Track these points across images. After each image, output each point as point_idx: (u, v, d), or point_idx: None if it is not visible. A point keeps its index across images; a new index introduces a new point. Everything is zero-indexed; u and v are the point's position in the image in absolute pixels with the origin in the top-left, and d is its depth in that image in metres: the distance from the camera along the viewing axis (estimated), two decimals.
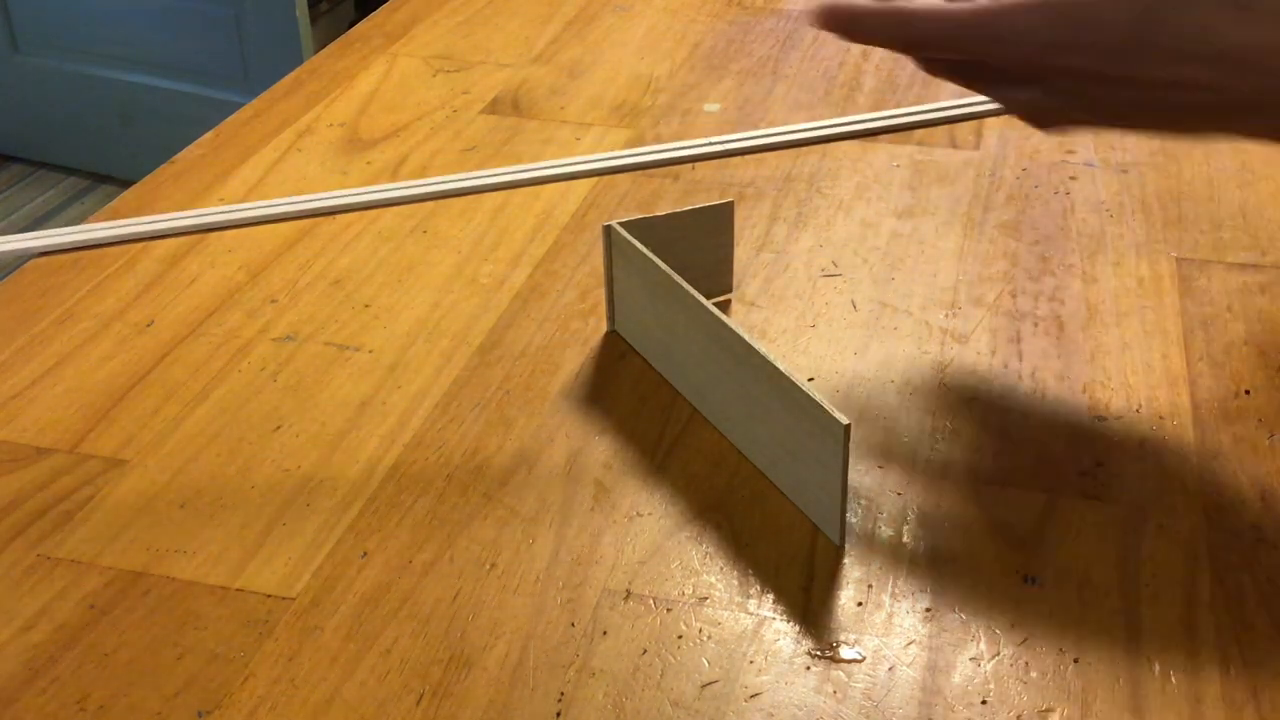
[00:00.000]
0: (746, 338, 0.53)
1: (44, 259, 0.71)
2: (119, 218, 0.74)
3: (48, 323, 0.66)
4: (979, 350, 0.62)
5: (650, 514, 0.53)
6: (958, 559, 0.50)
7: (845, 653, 0.47)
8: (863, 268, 0.69)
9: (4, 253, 0.73)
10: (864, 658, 0.46)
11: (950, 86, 0.53)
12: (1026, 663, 0.46)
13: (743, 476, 0.55)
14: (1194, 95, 0.47)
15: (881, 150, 0.81)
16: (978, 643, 0.47)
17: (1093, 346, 0.62)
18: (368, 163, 0.81)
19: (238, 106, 0.89)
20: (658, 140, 0.82)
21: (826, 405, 0.49)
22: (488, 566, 0.50)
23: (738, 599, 0.49)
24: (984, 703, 0.45)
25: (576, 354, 0.62)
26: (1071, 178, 0.77)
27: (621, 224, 0.61)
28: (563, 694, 0.45)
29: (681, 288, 0.57)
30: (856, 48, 0.96)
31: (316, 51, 1.01)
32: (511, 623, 0.48)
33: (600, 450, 0.56)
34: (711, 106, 0.87)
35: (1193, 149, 0.80)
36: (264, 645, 0.47)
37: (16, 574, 0.50)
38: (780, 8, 1.03)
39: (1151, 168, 0.78)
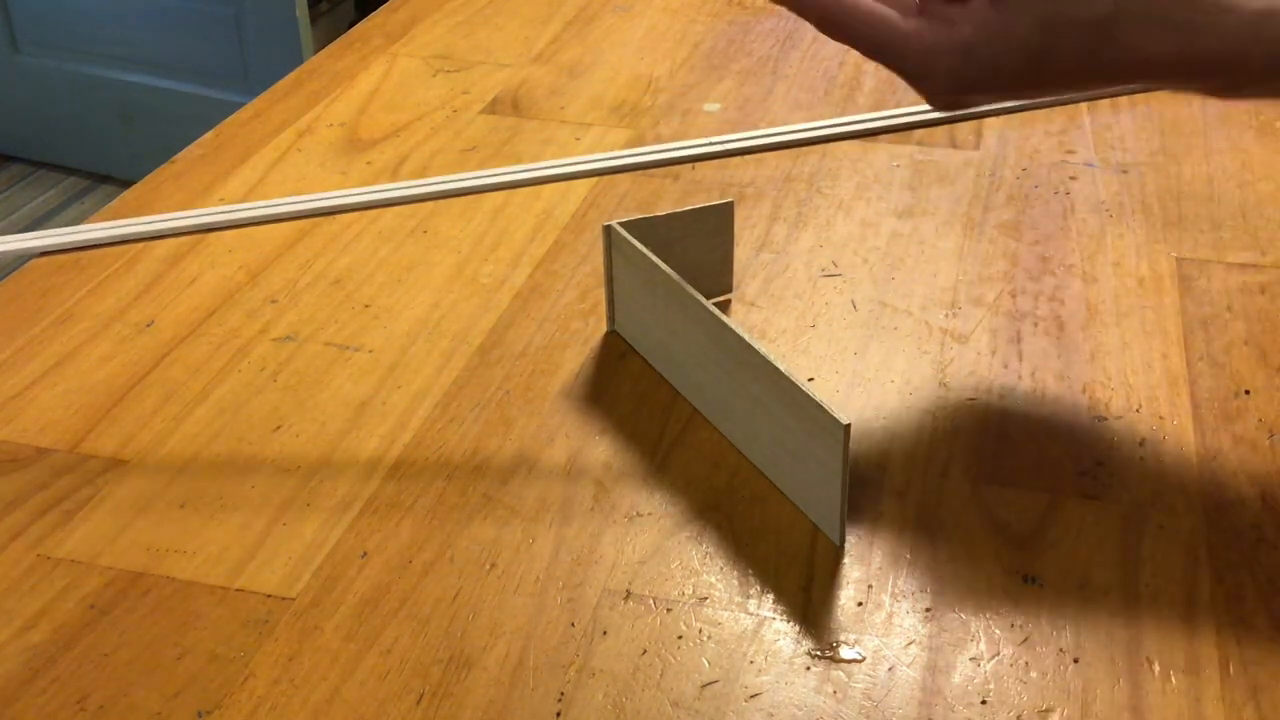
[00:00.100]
0: (746, 338, 0.53)
1: (44, 259, 0.71)
2: (119, 218, 0.74)
3: (48, 323, 0.66)
4: (979, 350, 0.62)
5: (650, 514, 0.53)
6: (958, 559, 0.50)
7: (845, 653, 0.47)
8: (863, 268, 0.69)
9: (4, 253, 0.73)
10: (864, 658, 0.46)
11: None
12: (1026, 663, 0.46)
13: (743, 476, 0.55)
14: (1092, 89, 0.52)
15: (881, 150, 0.81)
16: (978, 643, 0.47)
17: (1093, 346, 0.62)
18: (368, 163, 0.81)
19: (238, 106, 0.89)
20: (658, 140, 0.82)
21: (826, 405, 0.49)
22: (488, 566, 0.50)
23: (738, 599, 0.49)
24: (984, 703, 0.45)
25: (576, 354, 0.62)
26: (1071, 178, 0.77)
27: (621, 224, 0.61)
28: (563, 694, 0.45)
29: (681, 288, 0.57)
30: None
31: (316, 51, 1.01)
32: (511, 623, 0.48)
33: (600, 450, 0.56)
34: (711, 106, 0.87)
35: (1193, 149, 0.80)
36: (264, 645, 0.47)
37: (16, 574, 0.50)
38: (780, 7, 1.03)
39: (1151, 168, 0.78)
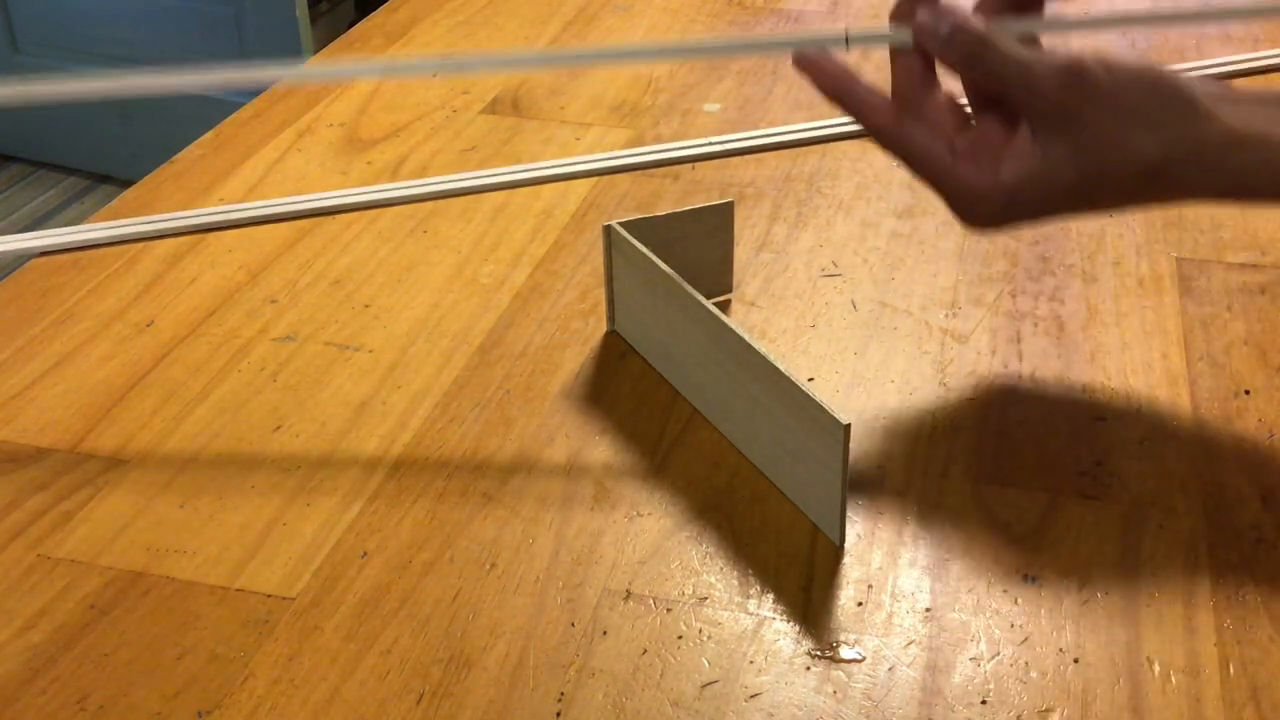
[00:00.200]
0: (746, 338, 0.53)
1: (44, 259, 0.71)
2: (119, 218, 0.74)
3: (48, 323, 0.66)
4: (979, 350, 0.62)
5: (650, 514, 0.53)
6: (958, 559, 0.50)
7: (845, 653, 0.47)
8: (863, 268, 0.69)
9: (4, 253, 0.73)
10: (864, 658, 0.46)
11: (950, 86, 0.55)
12: (1026, 663, 0.46)
13: (743, 476, 0.55)
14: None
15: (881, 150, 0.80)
16: (978, 643, 0.47)
17: (1093, 346, 0.62)
18: (368, 163, 0.81)
19: (238, 106, 0.89)
20: (658, 140, 0.82)
21: (826, 405, 0.49)
22: (488, 566, 0.50)
23: (738, 599, 0.49)
24: (984, 703, 0.45)
25: (576, 354, 0.62)
26: None
27: (621, 224, 0.61)
28: (563, 694, 0.45)
29: (681, 288, 0.57)
30: (856, 48, 0.96)
31: (316, 51, 1.01)
32: (511, 623, 0.48)
33: (600, 450, 0.56)
34: (711, 106, 0.87)
35: None
36: (264, 645, 0.47)
37: (16, 574, 0.50)
38: (780, 8, 1.03)
39: None
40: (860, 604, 0.49)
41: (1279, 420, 0.57)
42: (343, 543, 0.52)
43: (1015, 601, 0.49)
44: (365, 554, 0.51)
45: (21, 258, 0.72)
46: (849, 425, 0.48)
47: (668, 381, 0.60)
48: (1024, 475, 0.54)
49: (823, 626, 0.48)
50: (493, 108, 0.88)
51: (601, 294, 0.65)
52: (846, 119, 0.56)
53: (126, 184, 1.00)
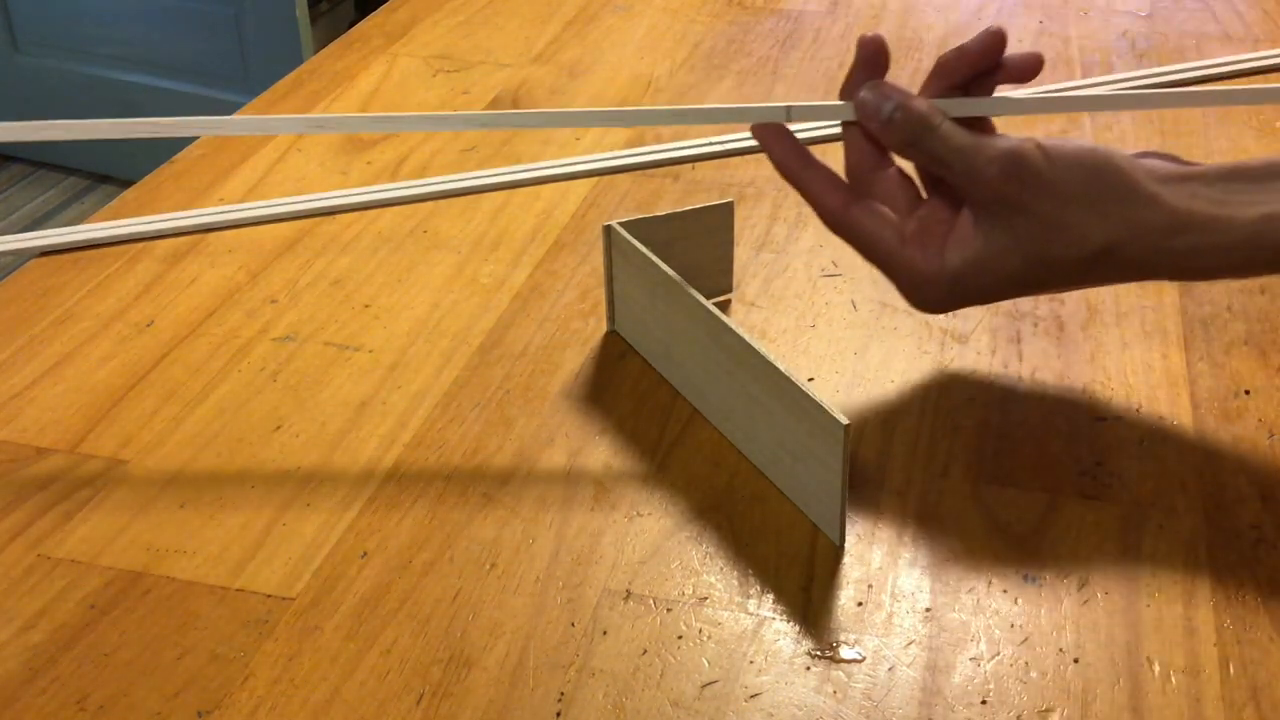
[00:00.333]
0: (746, 338, 0.53)
1: (44, 259, 0.71)
2: (119, 218, 0.74)
3: (48, 323, 0.66)
4: (979, 350, 0.62)
5: (650, 514, 0.53)
6: (958, 559, 0.50)
7: (845, 653, 0.47)
8: (863, 268, 0.68)
9: (4, 253, 0.73)
10: (864, 658, 0.46)
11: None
12: (1026, 663, 0.46)
13: (743, 476, 0.55)
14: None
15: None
16: (978, 643, 0.47)
17: (1093, 346, 0.62)
18: (368, 163, 0.81)
19: (238, 106, 0.89)
20: (658, 140, 0.82)
21: (826, 405, 0.49)
22: (488, 566, 0.50)
23: (738, 599, 0.49)
24: (984, 703, 0.45)
25: (576, 354, 0.62)
26: None
27: (621, 224, 0.61)
28: (563, 694, 0.45)
29: (681, 288, 0.57)
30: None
31: (316, 51, 1.01)
32: (511, 623, 0.48)
33: (600, 450, 0.56)
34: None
35: (1193, 149, 0.80)
36: (264, 645, 0.47)
37: (16, 574, 0.50)
38: (780, 8, 1.03)
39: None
40: (860, 604, 0.49)
41: (1279, 420, 0.57)
42: (343, 543, 0.52)
43: (1015, 601, 0.49)
44: (365, 554, 0.51)
45: (21, 258, 0.72)
46: (849, 425, 0.48)
47: (668, 381, 0.60)
48: (1024, 475, 0.55)
49: (823, 626, 0.48)
50: (493, 108, 0.88)
51: (601, 294, 0.65)
52: (829, 123, 0.56)
53: (126, 184, 1.00)
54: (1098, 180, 0.50)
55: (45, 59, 2.43)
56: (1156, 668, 0.46)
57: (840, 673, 0.46)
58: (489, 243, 0.72)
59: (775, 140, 0.55)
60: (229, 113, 0.88)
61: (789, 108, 0.55)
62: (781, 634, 0.47)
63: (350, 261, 0.70)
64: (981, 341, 0.63)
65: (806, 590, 0.49)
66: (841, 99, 0.55)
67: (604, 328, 0.64)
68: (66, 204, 2.47)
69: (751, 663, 0.46)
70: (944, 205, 0.53)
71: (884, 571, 0.50)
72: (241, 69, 2.27)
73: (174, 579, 0.50)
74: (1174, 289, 0.66)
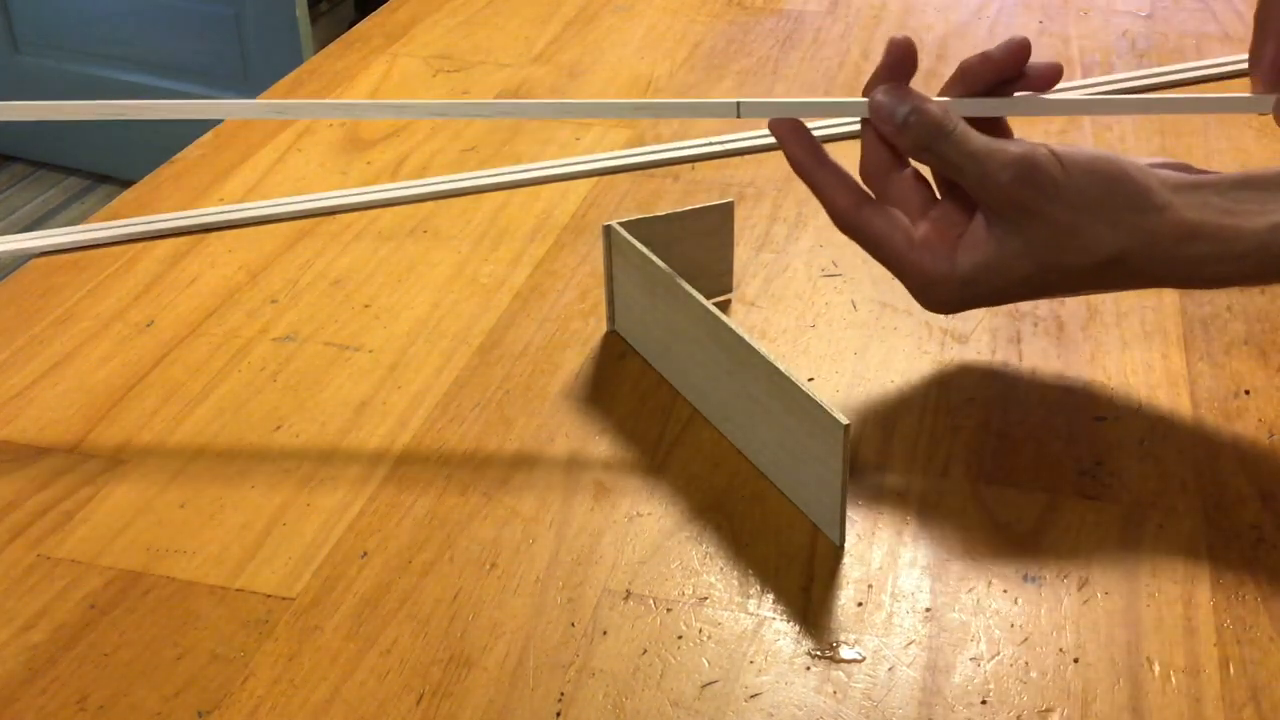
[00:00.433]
0: (746, 338, 0.53)
1: (44, 259, 0.71)
2: (119, 218, 0.74)
3: (48, 323, 0.66)
4: (979, 350, 0.62)
5: (650, 514, 0.53)
6: (958, 559, 0.50)
7: (845, 653, 0.47)
8: (863, 268, 0.68)
9: (4, 253, 0.73)
10: (864, 658, 0.46)
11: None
12: (1026, 663, 0.46)
13: (743, 476, 0.55)
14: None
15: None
16: (978, 643, 0.47)
17: (1093, 346, 0.62)
18: (368, 163, 0.81)
19: None
20: (658, 140, 0.82)
21: (826, 405, 0.49)
22: (488, 566, 0.50)
23: (738, 599, 0.49)
24: (984, 703, 0.45)
25: (576, 354, 0.62)
26: None
27: (621, 224, 0.61)
28: (563, 694, 0.45)
29: (681, 288, 0.57)
30: (857, 48, 0.96)
31: (316, 51, 1.01)
32: (511, 623, 0.48)
33: (600, 450, 0.56)
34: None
35: (1193, 149, 0.80)
36: (264, 645, 0.47)
37: (16, 574, 0.50)
38: (780, 8, 1.03)
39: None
40: (860, 604, 0.49)
41: (1279, 420, 0.57)
42: (343, 543, 0.52)
43: (1015, 601, 0.49)
44: (365, 554, 0.51)
45: (21, 258, 0.72)
46: (849, 425, 0.48)
47: (668, 381, 0.60)
48: (1024, 475, 0.55)
49: (823, 626, 0.48)
50: None
51: (601, 294, 0.65)
52: (846, 120, 0.56)
53: (126, 184, 1.00)
54: (1111, 188, 0.50)
55: (45, 59, 2.43)
56: (1156, 668, 0.46)
57: (840, 673, 0.46)
58: (489, 243, 0.72)
59: (791, 136, 0.55)
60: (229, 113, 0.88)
61: (739, 104, 0.55)
62: (781, 634, 0.47)
63: (350, 261, 0.70)
64: (981, 341, 0.63)
65: (806, 590, 0.49)
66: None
67: (604, 328, 0.64)
68: (66, 204, 2.47)
69: (751, 663, 0.46)
70: (957, 208, 0.53)
71: (884, 571, 0.50)
72: (241, 69, 2.27)
73: (174, 579, 0.50)
74: (1174, 289, 0.66)
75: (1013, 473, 0.55)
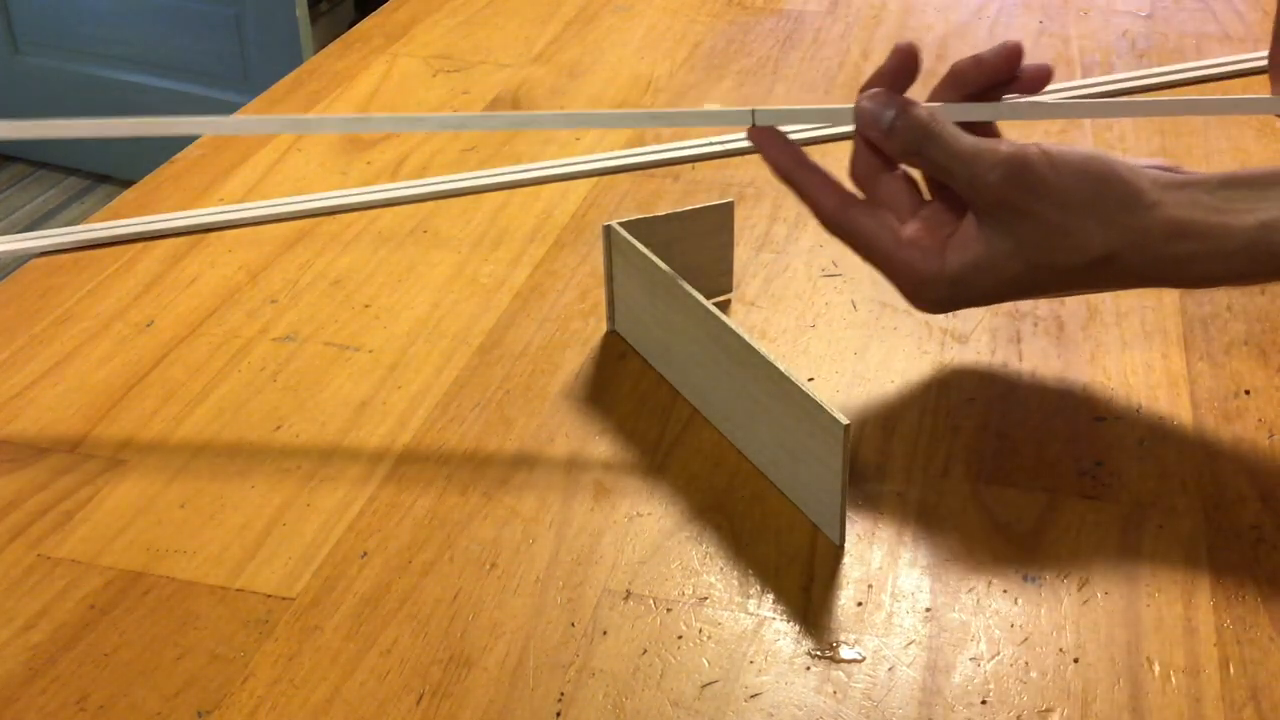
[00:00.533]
0: (746, 338, 0.53)
1: (44, 259, 0.71)
2: (119, 218, 0.74)
3: (48, 323, 0.66)
4: (979, 350, 0.62)
5: (650, 514, 0.53)
6: (958, 559, 0.50)
7: (845, 653, 0.47)
8: (863, 268, 0.68)
9: (4, 253, 0.73)
10: (864, 658, 0.46)
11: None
12: (1026, 663, 0.46)
13: (743, 476, 0.55)
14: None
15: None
16: (978, 643, 0.47)
17: (1093, 346, 0.62)
18: (368, 163, 0.81)
19: (238, 106, 0.89)
20: (658, 140, 0.82)
21: (826, 405, 0.49)
22: (488, 566, 0.50)
23: (738, 599, 0.49)
24: (984, 703, 0.45)
25: (576, 354, 0.62)
26: None
27: (621, 224, 0.61)
28: (563, 694, 0.45)
29: (681, 288, 0.57)
30: (857, 48, 0.96)
31: (316, 51, 1.01)
32: (511, 623, 0.48)
33: (600, 450, 0.56)
34: (711, 107, 0.87)
35: (1193, 149, 0.80)
36: (264, 645, 0.47)
37: (16, 574, 0.50)
38: (780, 8, 1.03)
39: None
40: (860, 604, 0.49)
41: (1279, 420, 0.57)
42: (343, 543, 0.52)
43: (1015, 601, 0.49)
44: (365, 554, 0.51)
45: (21, 258, 0.72)
46: (849, 425, 0.48)
47: (668, 381, 0.60)
48: (1024, 475, 0.55)
49: (823, 626, 0.48)
50: (493, 108, 0.88)
51: (601, 294, 0.65)
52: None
53: (126, 184, 1.00)
54: (1101, 187, 0.50)
55: (45, 59, 2.43)
56: (1156, 668, 0.46)
57: (840, 673, 0.46)
58: (489, 243, 0.72)
59: (770, 143, 0.55)
60: (229, 113, 0.88)
61: (754, 112, 0.55)
62: (781, 634, 0.47)
63: (350, 261, 0.70)
64: (981, 341, 0.63)
65: (806, 590, 0.49)
66: None
67: (604, 328, 0.64)
68: (66, 204, 2.47)
69: (751, 663, 0.46)
70: (947, 208, 0.53)
71: (884, 571, 0.50)
72: (241, 69, 2.27)
73: (174, 579, 0.50)
74: (1174, 289, 0.66)
75: (1013, 473, 0.55)
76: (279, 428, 0.58)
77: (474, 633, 0.47)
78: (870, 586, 0.49)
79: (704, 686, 0.45)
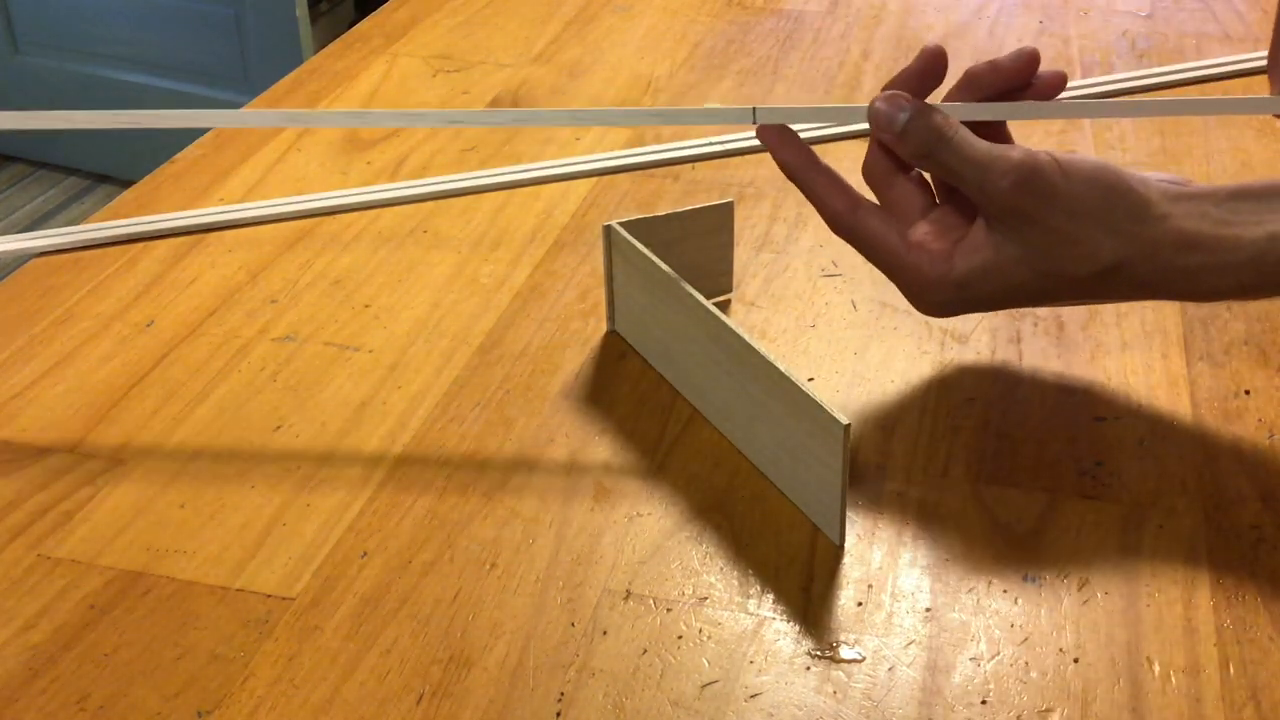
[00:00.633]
0: (746, 338, 0.53)
1: (44, 259, 0.71)
2: (119, 218, 0.74)
3: (48, 323, 0.66)
4: (979, 350, 0.62)
5: (650, 514, 0.53)
6: (958, 559, 0.50)
7: (845, 653, 0.47)
8: (863, 268, 0.68)
9: (4, 253, 0.73)
10: (864, 658, 0.46)
11: (947, 86, 0.55)
12: (1026, 663, 0.46)
13: (743, 476, 0.55)
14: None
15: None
16: (978, 643, 0.47)
17: (1093, 346, 0.62)
18: (368, 163, 0.81)
19: (238, 106, 0.89)
20: (658, 140, 0.82)
21: (826, 405, 0.49)
22: (488, 566, 0.50)
23: (738, 599, 0.49)
24: (984, 703, 0.45)
25: (576, 354, 0.62)
26: None
27: (621, 224, 0.61)
28: (563, 694, 0.45)
29: (681, 288, 0.57)
30: (857, 47, 0.96)
31: (316, 51, 1.01)
32: (511, 623, 0.48)
33: (600, 450, 0.56)
34: (711, 107, 0.87)
35: (1193, 149, 0.80)
36: (264, 645, 0.47)
37: (16, 574, 0.50)
38: (780, 8, 1.03)
39: (1151, 168, 0.78)
40: (860, 604, 0.49)
41: (1279, 420, 0.57)
42: (343, 543, 0.52)
43: (1015, 601, 0.49)
44: (365, 554, 0.51)
45: (21, 258, 0.72)
46: (849, 425, 0.48)
47: (668, 381, 0.60)
48: (1024, 475, 0.55)
49: (823, 626, 0.48)
50: (493, 107, 0.88)
51: (601, 294, 0.65)
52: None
53: (126, 184, 1.00)
54: (1111, 197, 0.50)
55: (45, 59, 2.43)
56: (1156, 668, 0.46)
57: (840, 673, 0.46)
58: (489, 243, 0.72)
59: (780, 142, 0.55)
60: None
61: (754, 110, 0.55)
62: (781, 634, 0.47)
63: (350, 261, 0.70)
64: (981, 341, 0.63)
65: (806, 590, 0.49)
66: None
67: (604, 328, 0.64)
68: (66, 204, 2.47)
69: (751, 663, 0.46)
70: (956, 212, 0.53)
71: (884, 571, 0.50)
72: (241, 69, 2.27)
73: (174, 579, 0.50)
74: None
75: (1013, 473, 0.55)
76: (279, 428, 0.58)
77: (474, 633, 0.47)
78: (870, 586, 0.49)
79: (704, 686, 0.45)
